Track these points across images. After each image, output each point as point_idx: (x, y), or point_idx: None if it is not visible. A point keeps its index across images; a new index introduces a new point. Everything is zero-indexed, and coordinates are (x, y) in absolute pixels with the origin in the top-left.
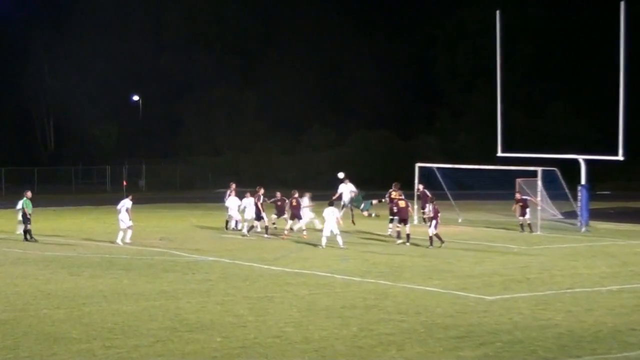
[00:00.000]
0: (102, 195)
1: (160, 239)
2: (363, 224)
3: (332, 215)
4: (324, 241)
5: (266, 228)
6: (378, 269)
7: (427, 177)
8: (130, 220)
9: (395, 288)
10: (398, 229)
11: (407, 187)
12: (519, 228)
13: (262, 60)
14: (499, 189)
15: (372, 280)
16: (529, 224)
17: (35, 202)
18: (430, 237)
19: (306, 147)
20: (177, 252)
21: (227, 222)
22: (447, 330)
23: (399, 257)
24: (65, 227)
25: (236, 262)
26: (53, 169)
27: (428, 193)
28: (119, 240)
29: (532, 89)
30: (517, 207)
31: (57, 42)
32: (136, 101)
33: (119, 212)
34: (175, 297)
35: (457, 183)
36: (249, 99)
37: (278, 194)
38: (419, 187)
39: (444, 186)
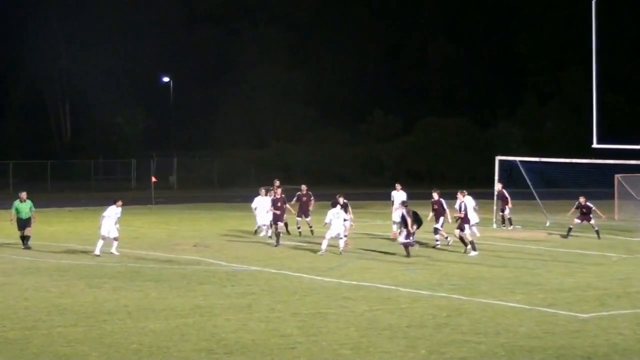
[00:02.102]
0: (127, 193)
1: (195, 245)
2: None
3: (337, 217)
4: (324, 245)
5: (278, 234)
6: (450, 281)
7: (510, 172)
8: (108, 230)
9: (471, 303)
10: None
11: (485, 185)
12: (567, 232)
13: (314, 35)
14: (594, 186)
15: (443, 295)
16: (596, 231)
17: (49, 200)
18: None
19: (366, 137)
20: (214, 261)
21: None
22: (532, 353)
23: (475, 267)
24: (84, 230)
25: (283, 272)
26: (69, 162)
27: (507, 194)
28: (113, 250)
29: (635, 67)
30: (576, 212)
31: (74, 14)
32: (166, 83)
33: (103, 218)
34: (212, 314)
35: (545, 179)
36: (299, 81)
37: (303, 188)
38: (497, 185)
39: (529, 183)
